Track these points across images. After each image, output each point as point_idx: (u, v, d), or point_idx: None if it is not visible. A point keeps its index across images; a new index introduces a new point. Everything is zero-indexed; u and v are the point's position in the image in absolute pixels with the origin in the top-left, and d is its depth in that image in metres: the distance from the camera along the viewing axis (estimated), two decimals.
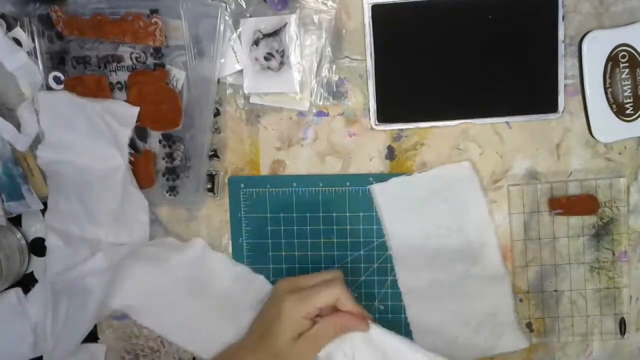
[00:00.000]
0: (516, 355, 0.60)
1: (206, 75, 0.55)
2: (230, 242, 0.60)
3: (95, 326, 0.61)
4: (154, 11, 0.54)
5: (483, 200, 0.58)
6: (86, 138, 0.56)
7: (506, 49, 0.55)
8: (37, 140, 0.56)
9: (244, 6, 0.56)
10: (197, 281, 0.59)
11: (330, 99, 0.58)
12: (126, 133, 0.56)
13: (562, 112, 0.57)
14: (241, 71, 0.57)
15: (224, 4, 0.55)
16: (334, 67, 0.57)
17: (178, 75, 0.56)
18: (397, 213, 0.58)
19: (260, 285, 0.60)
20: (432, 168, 0.58)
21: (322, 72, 0.57)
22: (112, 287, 0.57)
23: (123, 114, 0.56)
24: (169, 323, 0.59)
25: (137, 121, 0.56)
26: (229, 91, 0.58)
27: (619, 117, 0.56)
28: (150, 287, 0.58)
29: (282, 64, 0.56)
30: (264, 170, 0.59)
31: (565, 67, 0.56)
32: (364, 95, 0.57)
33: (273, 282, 0.60)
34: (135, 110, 0.56)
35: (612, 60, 0.55)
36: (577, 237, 0.59)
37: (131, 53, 0.56)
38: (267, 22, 0.55)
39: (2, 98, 0.58)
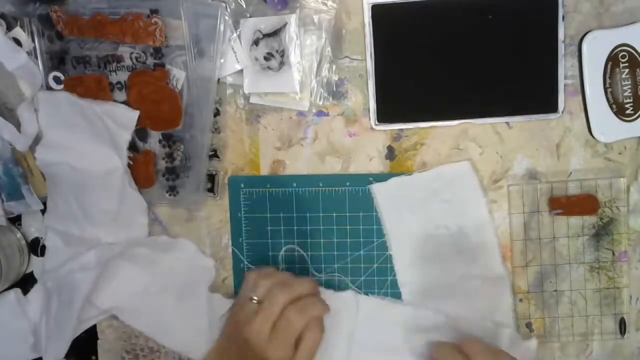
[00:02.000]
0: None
1: (206, 75, 0.55)
2: (230, 242, 0.60)
3: (95, 326, 0.61)
4: (154, 11, 0.54)
5: (483, 200, 0.58)
6: (85, 139, 0.56)
7: (506, 49, 0.55)
8: (37, 140, 0.57)
9: (244, 6, 0.56)
10: (185, 283, 0.59)
11: (330, 99, 0.58)
12: (125, 136, 0.56)
13: (562, 112, 0.57)
14: (241, 71, 0.57)
15: (224, 4, 0.55)
16: (334, 67, 0.57)
17: (178, 75, 0.56)
18: (397, 213, 0.58)
19: None
20: (432, 168, 0.58)
21: (322, 72, 0.57)
22: (100, 288, 0.57)
23: (123, 118, 0.56)
24: (157, 325, 0.59)
25: (136, 125, 0.56)
26: (229, 91, 0.58)
27: (619, 117, 0.56)
28: (138, 288, 0.58)
29: (282, 64, 0.56)
30: (264, 170, 0.59)
31: (565, 67, 0.56)
32: (364, 95, 0.57)
33: None
34: (135, 114, 0.56)
35: (612, 60, 0.55)
36: (577, 237, 0.59)
37: (131, 53, 0.56)
38: (267, 22, 0.55)
39: (2, 98, 0.58)
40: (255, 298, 0.51)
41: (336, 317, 0.57)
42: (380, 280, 0.59)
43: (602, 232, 0.59)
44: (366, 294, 0.59)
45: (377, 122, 0.57)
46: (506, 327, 0.58)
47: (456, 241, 0.58)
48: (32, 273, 0.62)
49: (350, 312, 0.58)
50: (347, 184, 0.59)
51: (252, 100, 0.58)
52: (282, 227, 0.59)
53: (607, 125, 0.56)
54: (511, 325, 0.58)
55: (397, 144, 0.58)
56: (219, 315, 0.59)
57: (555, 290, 0.59)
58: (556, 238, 0.59)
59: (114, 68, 0.56)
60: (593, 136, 0.57)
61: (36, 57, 0.56)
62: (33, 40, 0.56)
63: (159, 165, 0.58)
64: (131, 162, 0.57)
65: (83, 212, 0.57)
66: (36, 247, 0.62)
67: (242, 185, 0.59)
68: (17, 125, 0.56)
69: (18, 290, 0.61)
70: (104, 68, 0.56)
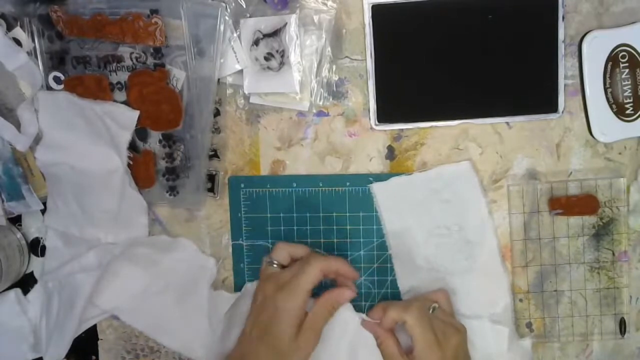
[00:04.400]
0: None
1: (206, 75, 0.55)
2: (230, 242, 0.60)
3: (95, 326, 0.61)
4: (154, 11, 0.54)
5: (483, 200, 0.58)
6: (85, 139, 0.56)
7: (506, 49, 0.55)
8: (37, 140, 0.57)
9: (244, 6, 0.56)
10: (185, 283, 0.59)
11: (330, 99, 0.58)
12: (125, 136, 0.56)
13: (562, 112, 0.57)
14: (241, 71, 0.57)
15: (224, 4, 0.55)
16: (334, 67, 0.57)
17: (178, 75, 0.56)
18: (397, 213, 0.58)
19: (250, 288, 0.59)
20: (432, 168, 0.58)
21: (322, 72, 0.57)
22: (101, 289, 0.57)
23: (123, 118, 0.56)
24: (158, 325, 0.59)
25: (136, 125, 0.56)
26: (229, 91, 0.58)
27: (619, 117, 0.56)
28: (139, 288, 0.58)
29: (282, 64, 0.56)
30: (264, 170, 0.59)
31: (565, 67, 0.56)
32: (364, 95, 0.57)
33: None
34: (135, 114, 0.56)
35: (612, 60, 0.55)
36: (577, 237, 0.59)
37: (131, 53, 0.56)
38: (267, 22, 0.55)
39: (2, 98, 0.58)
40: (276, 262, 0.54)
41: (335, 334, 0.56)
42: (380, 280, 0.59)
43: (602, 232, 0.59)
44: (366, 294, 0.59)
45: (377, 122, 0.57)
46: (505, 326, 0.58)
47: (456, 241, 0.58)
48: (32, 273, 0.62)
49: (349, 329, 0.56)
50: (347, 184, 0.59)
51: (252, 100, 0.58)
52: (282, 227, 0.59)
53: (607, 125, 0.56)
54: (510, 325, 0.58)
55: (397, 144, 0.58)
56: (222, 312, 0.59)
57: (555, 290, 0.59)
58: (556, 238, 0.59)
59: (114, 68, 0.56)
60: (593, 136, 0.57)
61: (36, 57, 0.56)
62: (33, 40, 0.56)
63: (159, 165, 0.58)
64: (131, 162, 0.57)
65: (83, 212, 0.57)
66: (36, 247, 0.62)
67: (242, 185, 0.59)
68: (17, 125, 0.56)
69: (18, 290, 0.61)
70: (104, 68, 0.56)
